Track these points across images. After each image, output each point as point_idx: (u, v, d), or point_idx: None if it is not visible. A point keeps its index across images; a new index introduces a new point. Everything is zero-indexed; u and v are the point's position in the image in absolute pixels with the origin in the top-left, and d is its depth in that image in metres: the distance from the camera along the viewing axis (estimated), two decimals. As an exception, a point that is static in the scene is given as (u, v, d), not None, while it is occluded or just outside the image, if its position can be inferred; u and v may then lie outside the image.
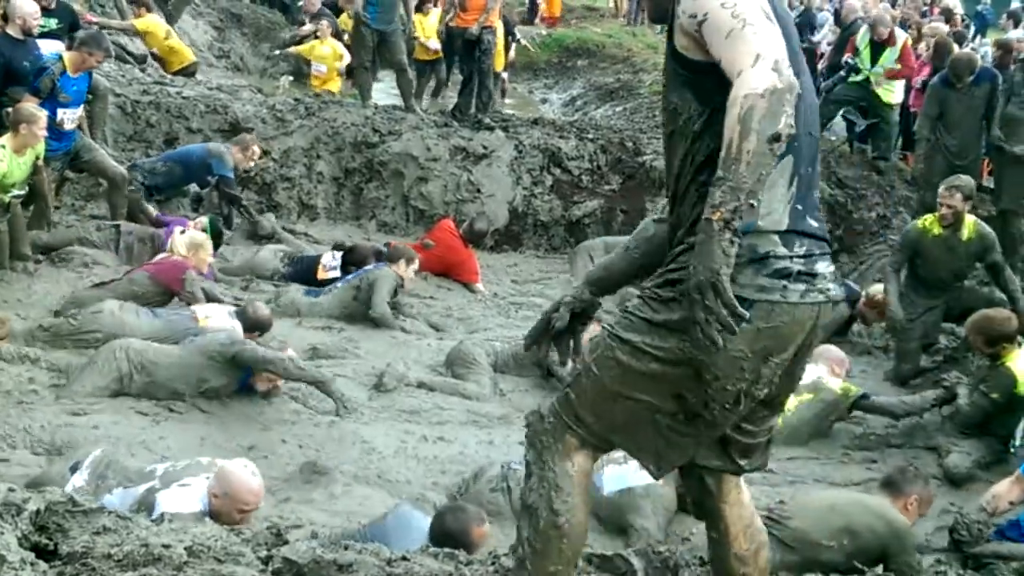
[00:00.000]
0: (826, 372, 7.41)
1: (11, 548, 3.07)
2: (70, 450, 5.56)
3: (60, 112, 8.86)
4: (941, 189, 8.20)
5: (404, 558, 3.44)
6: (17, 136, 7.98)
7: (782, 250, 2.72)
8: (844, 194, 12.03)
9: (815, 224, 2.82)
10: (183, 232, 8.50)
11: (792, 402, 7.17)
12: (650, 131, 13.84)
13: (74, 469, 5.01)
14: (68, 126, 9.02)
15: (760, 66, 2.48)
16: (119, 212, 9.70)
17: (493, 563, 3.82)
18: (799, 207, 2.76)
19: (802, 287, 2.72)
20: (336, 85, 14.64)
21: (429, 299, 9.64)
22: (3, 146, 7.95)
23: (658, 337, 2.75)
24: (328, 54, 14.65)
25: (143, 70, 12.90)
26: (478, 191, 11.69)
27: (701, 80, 2.72)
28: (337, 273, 9.33)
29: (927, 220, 8.41)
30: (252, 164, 10.52)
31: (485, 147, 11.92)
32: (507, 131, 12.31)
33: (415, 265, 9.05)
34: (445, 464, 6.36)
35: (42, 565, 3.14)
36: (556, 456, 2.95)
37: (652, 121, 16.18)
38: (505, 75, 18.17)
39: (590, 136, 12.62)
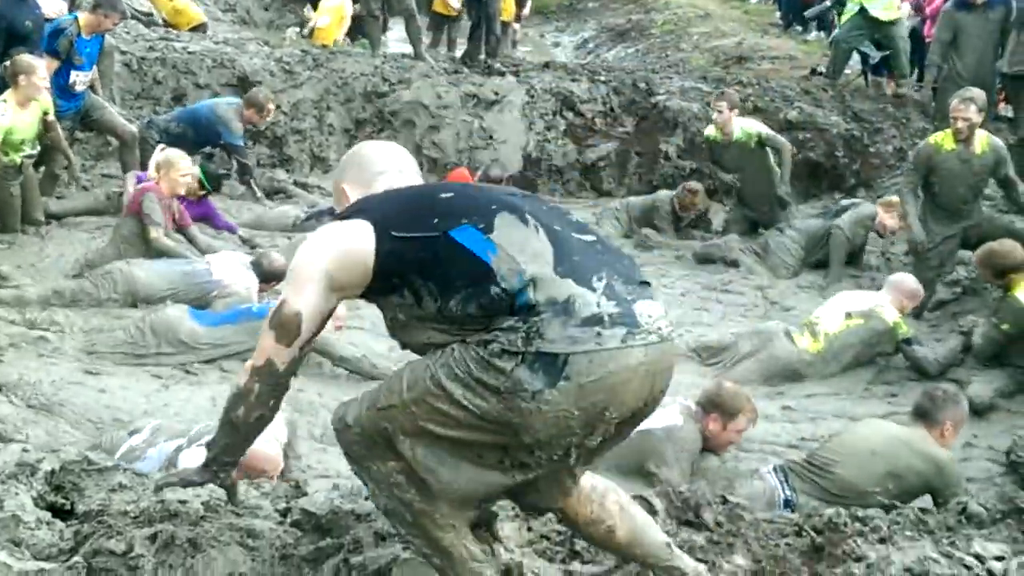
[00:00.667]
0: (888, 301, 7.31)
1: (26, 508, 3.07)
2: (61, 408, 5.55)
3: (73, 74, 8.83)
4: (955, 102, 8.04)
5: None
6: (18, 88, 7.90)
7: (581, 292, 2.56)
8: (860, 128, 11.90)
9: (605, 274, 2.63)
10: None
11: (839, 324, 7.16)
12: (662, 71, 13.71)
13: (132, 433, 5.02)
14: (80, 88, 8.98)
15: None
16: (130, 170, 9.62)
17: (514, 508, 3.79)
18: (585, 258, 2.64)
19: (621, 331, 2.54)
20: (332, 36, 14.48)
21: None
22: (4, 100, 7.90)
23: (478, 397, 2.55)
24: (333, 6, 14.48)
25: (148, 26, 12.79)
26: (491, 137, 11.60)
27: None
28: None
29: (939, 136, 8.31)
30: (267, 121, 10.38)
31: (496, 93, 11.82)
32: (518, 76, 12.22)
33: None
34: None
35: (59, 524, 3.13)
36: (377, 460, 2.74)
37: (665, 61, 16.06)
38: (517, 26, 18.01)
39: (602, 78, 12.50)
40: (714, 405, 5.51)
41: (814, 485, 5.15)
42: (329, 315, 2.80)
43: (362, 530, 3.25)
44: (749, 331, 7.61)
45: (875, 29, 12.33)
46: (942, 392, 5.38)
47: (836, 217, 9.45)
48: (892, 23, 12.18)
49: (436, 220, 2.65)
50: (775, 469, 5.35)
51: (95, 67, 9.24)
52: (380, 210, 2.75)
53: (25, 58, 8.03)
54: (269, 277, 7.35)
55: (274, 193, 10.21)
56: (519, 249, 2.60)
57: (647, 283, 2.72)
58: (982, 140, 8.08)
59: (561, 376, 2.48)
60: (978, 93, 8.12)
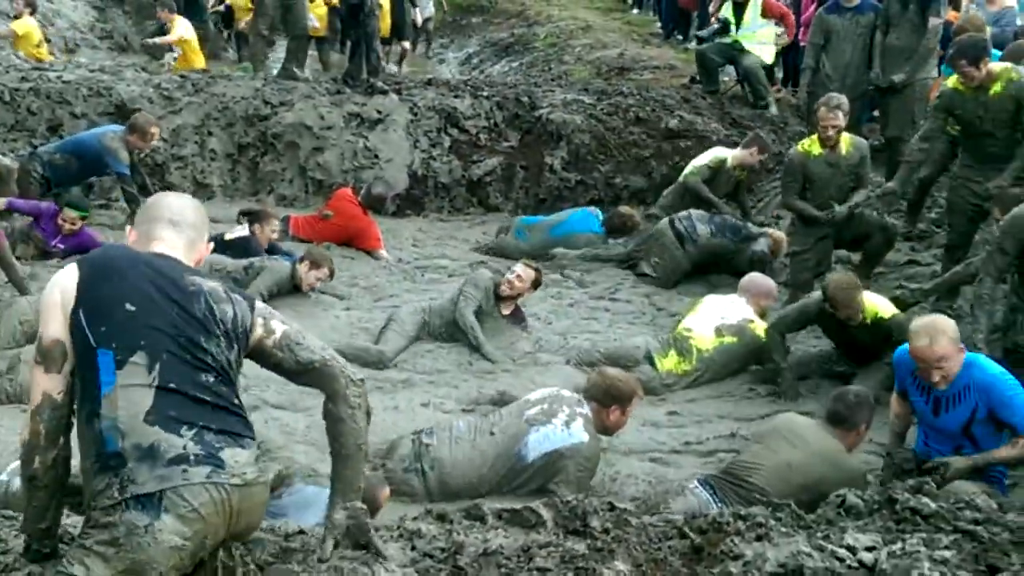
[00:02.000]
0: (752, 311, 7.55)
1: None
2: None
3: None
4: (822, 110, 8.31)
5: (301, 531, 3.40)
6: None
7: (167, 437, 2.94)
8: (739, 133, 12.14)
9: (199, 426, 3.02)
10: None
11: (711, 340, 7.32)
12: (545, 84, 13.83)
13: None
14: None
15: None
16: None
17: (399, 528, 3.80)
18: (180, 412, 3.00)
19: (206, 469, 2.95)
20: (200, 62, 14.41)
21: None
22: None
23: (102, 560, 2.89)
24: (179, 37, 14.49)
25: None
26: (375, 157, 11.55)
27: None
28: (245, 231, 9.24)
29: (807, 143, 8.60)
30: (153, 145, 10.15)
31: (380, 112, 11.78)
32: (400, 94, 12.19)
33: (320, 272, 8.61)
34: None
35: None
36: None
37: (548, 74, 16.22)
38: (406, 44, 18.05)
39: (485, 94, 12.56)
40: (612, 398, 5.68)
41: (736, 495, 5.25)
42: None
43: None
44: (612, 350, 7.64)
45: (733, 52, 12.88)
46: (854, 396, 5.49)
47: (735, 238, 9.57)
48: (739, 50, 12.75)
49: (104, 328, 3.00)
50: (701, 483, 5.46)
51: None
52: (93, 269, 3.10)
53: None
54: None
55: None
56: (124, 395, 2.94)
57: (245, 436, 3.13)
58: (846, 141, 8.40)
59: (162, 510, 2.87)
60: (842, 99, 8.43)
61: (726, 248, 9.51)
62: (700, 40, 13.69)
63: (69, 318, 3.01)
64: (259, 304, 3.31)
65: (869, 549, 3.55)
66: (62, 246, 8.85)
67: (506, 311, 8.03)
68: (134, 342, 2.99)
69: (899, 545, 3.53)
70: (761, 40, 12.80)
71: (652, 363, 7.38)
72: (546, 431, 5.62)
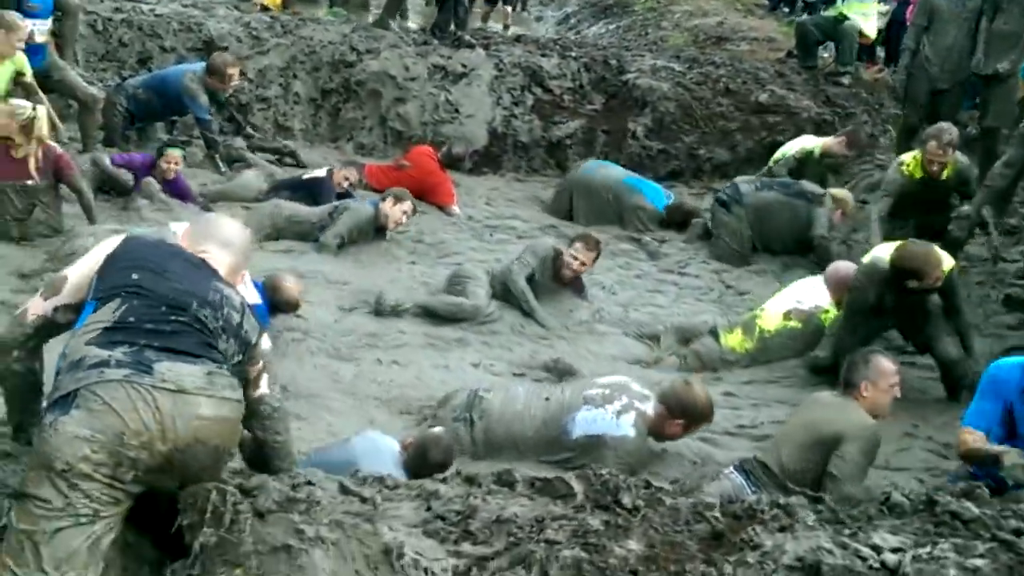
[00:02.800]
0: (830, 300, 7.30)
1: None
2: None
3: (28, 23, 8.65)
4: (932, 144, 7.97)
5: (309, 483, 3.35)
6: None
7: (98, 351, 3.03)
8: (832, 112, 11.85)
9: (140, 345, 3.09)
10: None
11: (777, 322, 7.15)
12: (635, 49, 13.60)
13: None
14: (38, 38, 8.80)
15: None
16: (90, 135, 9.52)
17: (419, 487, 3.76)
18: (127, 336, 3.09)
19: (126, 371, 2.98)
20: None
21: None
22: None
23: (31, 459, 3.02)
24: None
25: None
26: (456, 111, 11.49)
27: None
28: (322, 173, 9.41)
29: (909, 165, 8.24)
30: (235, 85, 10.20)
31: (464, 66, 11.71)
32: (487, 49, 12.09)
33: (404, 206, 8.63)
34: (398, 388, 6.32)
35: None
36: None
37: (644, 39, 15.96)
38: (508, 8, 17.92)
39: (573, 54, 12.40)
40: (684, 412, 5.56)
41: (769, 478, 5.14)
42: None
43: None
44: (678, 324, 7.61)
45: (835, 28, 12.51)
46: (851, 359, 5.39)
47: (787, 192, 9.32)
48: (843, 20, 12.33)
49: (102, 287, 3.24)
50: (737, 468, 5.34)
51: (52, 18, 9.09)
52: (131, 250, 3.37)
53: (11, 15, 7.93)
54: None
55: (233, 162, 10.08)
56: (83, 329, 3.12)
57: (202, 356, 3.16)
58: (950, 166, 8.12)
59: (72, 406, 2.91)
60: (954, 133, 8.12)
61: (780, 203, 9.20)
62: (807, 6, 13.33)
63: (91, 276, 3.32)
64: (266, 344, 3.57)
65: (895, 550, 3.39)
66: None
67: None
68: (116, 293, 3.20)
69: (927, 549, 3.37)
70: (865, 12, 12.41)
71: (716, 338, 7.30)
72: (596, 413, 5.55)
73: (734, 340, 7.28)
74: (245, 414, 3.40)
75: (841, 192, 9.33)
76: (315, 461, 4.60)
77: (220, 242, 3.59)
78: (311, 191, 9.07)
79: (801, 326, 7.21)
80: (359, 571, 2.98)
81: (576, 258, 7.75)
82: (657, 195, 10.24)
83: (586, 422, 5.53)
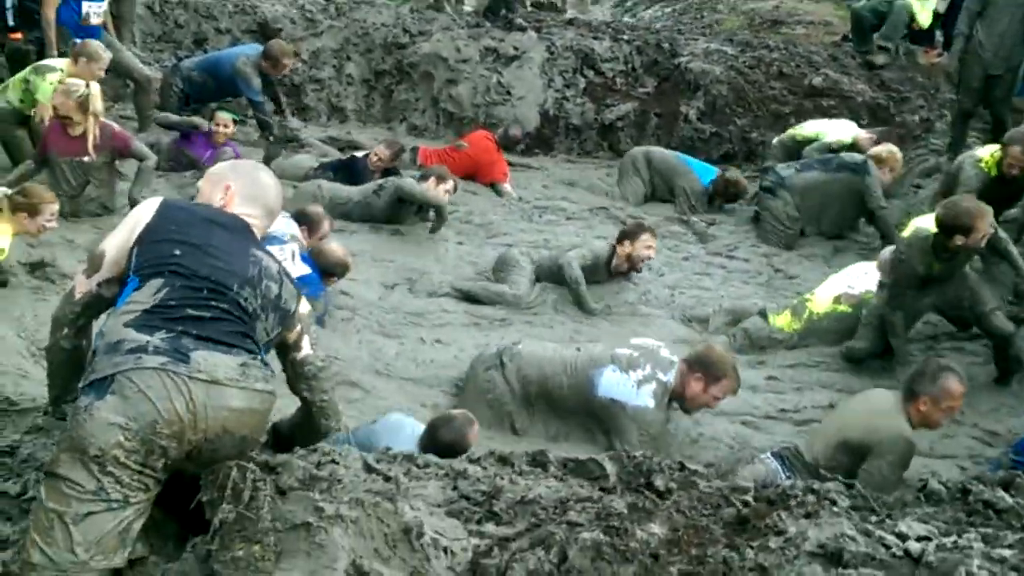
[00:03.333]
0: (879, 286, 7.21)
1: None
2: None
3: (84, 6, 8.87)
4: (1016, 149, 7.72)
5: (333, 460, 3.39)
6: (76, 65, 7.93)
7: (136, 335, 3.02)
8: (887, 96, 11.67)
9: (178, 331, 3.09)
10: None
11: (827, 305, 7.11)
12: (689, 32, 13.49)
13: None
14: (94, 20, 9.00)
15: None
16: (146, 115, 9.68)
17: (448, 467, 3.78)
18: (166, 321, 3.09)
19: (163, 359, 2.97)
20: None
21: (451, 203, 9.48)
22: (61, 69, 7.97)
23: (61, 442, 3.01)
24: None
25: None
26: (508, 93, 11.50)
27: None
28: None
29: (987, 163, 7.94)
30: (283, 73, 10.29)
31: (516, 48, 11.70)
32: (539, 32, 12.06)
33: (447, 185, 8.73)
34: (440, 367, 6.39)
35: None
36: None
37: (699, 23, 15.81)
38: None
39: (625, 37, 12.33)
40: (701, 364, 5.61)
41: (804, 467, 5.11)
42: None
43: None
44: (729, 306, 7.62)
45: (884, 6, 12.29)
46: (925, 366, 5.20)
47: (828, 168, 9.22)
48: (893, 1, 12.13)
49: (145, 263, 3.21)
50: (775, 455, 5.34)
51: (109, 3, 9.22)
52: (168, 216, 3.34)
53: (92, 44, 8.14)
54: (301, 220, 7.08)
55: (287, 141, 10.19)
56: (124, 309, 3.11)
57: (238, 347, 3.16)
58: None
59: (108, 391, 2.91)
60: None
61: (826, 182, 9.12)
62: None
63: (128, 247, 3.29)
64: (305, 307, 3.59)
65: (921, 539, 3.36)
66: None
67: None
68: (159, 271, 3.18)
69: (952, 538, 3.33)
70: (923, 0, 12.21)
71: (765, 318, 7.32)
72: (620, 378, 5.67)
73: (783, 321, 7.27)
74: (291, 377, 3.50)
75: (884, 150, 9.19)
76: (342, 442, 4.66)
77: (250, 197, 3.56)
78: (350, 171, 9.22)
79: (851, 310, 7.13)
80: (378, 549, 3.01)
81: (649, 247, 7.81)
82: (706, 171, 10.25)
83: (609, 384, 5.66)
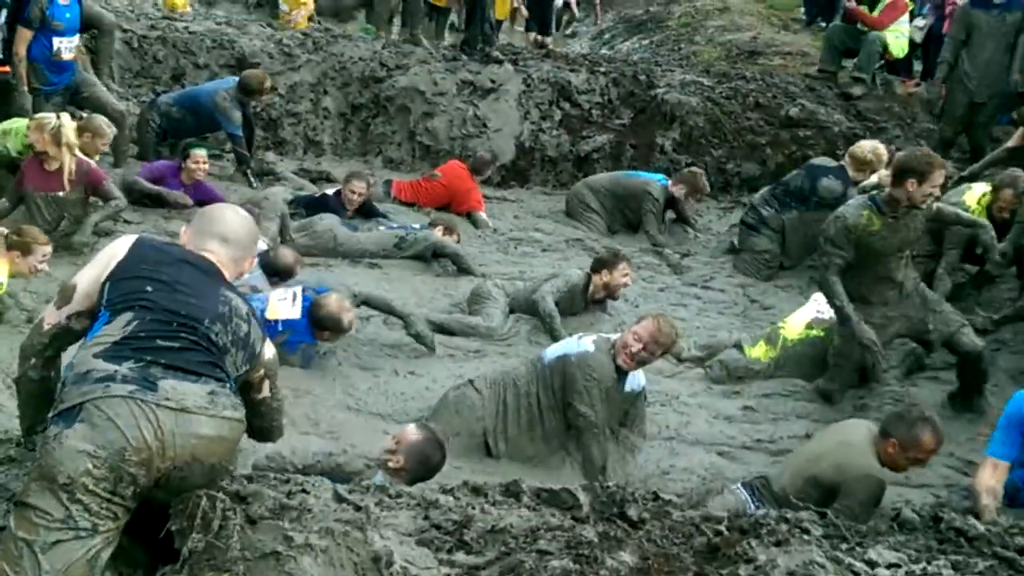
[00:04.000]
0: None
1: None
2: None
3: (56, 41, 8.87)
4: (1008, 193, 7.80)
5: (303, 490, 3.39)
6: (81, 138, 7.92)
7: (105, 365, 3.05)
8: (863, 126, 11.77)
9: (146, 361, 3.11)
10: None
11: (800, 332, 7.15)
12: (666, 64, 13.60)
13: None
14: (66, 56, 9.00)
15: None
16: (122, 150, 9.66)
17: (420, 496, 3.78)
18: (135, 352, 3.11)
19: (131, 387, 3.00)
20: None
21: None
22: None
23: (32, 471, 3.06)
24: None
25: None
26: (484, 126, 11.53)
27: None
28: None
29: (974, 210, 7.88)
30: (266, 100, 10.32)
31: (493, 81, 11.75)
32: (516, 64, 12.13)
33: (454, 237, 9.08)
34: (409, 399, 6.42)
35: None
36: None
37: (676, 54, 15.94)
38: (548, 40, 17.87)
39: (602, 69, 12.40)
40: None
41: (771, 498, 5.13)
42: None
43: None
44: (704, 342, 7.65)
45: (852, 34, 12.45)
46: (908, 411, 5.19)
47: (809, 207, 9.25)
48: (866, 32, 12.21)
49: (116, 298, 3.25)
50: (743, 485, 5.36)
51: (79, 34, 9.24)
52: (141, 253, 3.39)
53: (97, 120, 8.29)
54: (276, 272, 7.14)
55: (263, 175, 10.21)
56: (94, 341, 3.15)
57: (205, 375, 3.18)
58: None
59: (76, 420, 2.95)
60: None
61: (806, 220, 9.13)
62: (830, 17, 13.31)
63: (100, 281, 3.32)
64: (270, 351, 3.59)
65: (891, 566, 3.38)
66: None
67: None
68: (129, 305, 3.23)
69: (922, 565, 3.35)
70: (899, 33, 12.32)
71: (740, 350, 7.33)
72: (563, 342, 6.20)
73: (758, 351, 7.30)
74: (246, 408, 3.46)
75: (859, 149, 9.23)
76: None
77: (221, 238, 3.55)
78: (323, 208, 9.20)
79: (823, 334, 7.15)
80: (347, 578, 3.01)
81: (626, 275, 7.90)
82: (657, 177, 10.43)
83: (554, 348, 6.08)
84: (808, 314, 7.33)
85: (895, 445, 4.99)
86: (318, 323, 6.48)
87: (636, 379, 6.05)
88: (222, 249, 3.54)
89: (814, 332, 7.21)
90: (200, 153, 9.04)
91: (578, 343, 5.92)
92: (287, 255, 7.29)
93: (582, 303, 7.82)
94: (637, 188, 10.18)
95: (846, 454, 5.00)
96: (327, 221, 8.78)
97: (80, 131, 8.01)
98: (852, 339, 6.50)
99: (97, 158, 8.22)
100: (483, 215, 10.17)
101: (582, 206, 10.43)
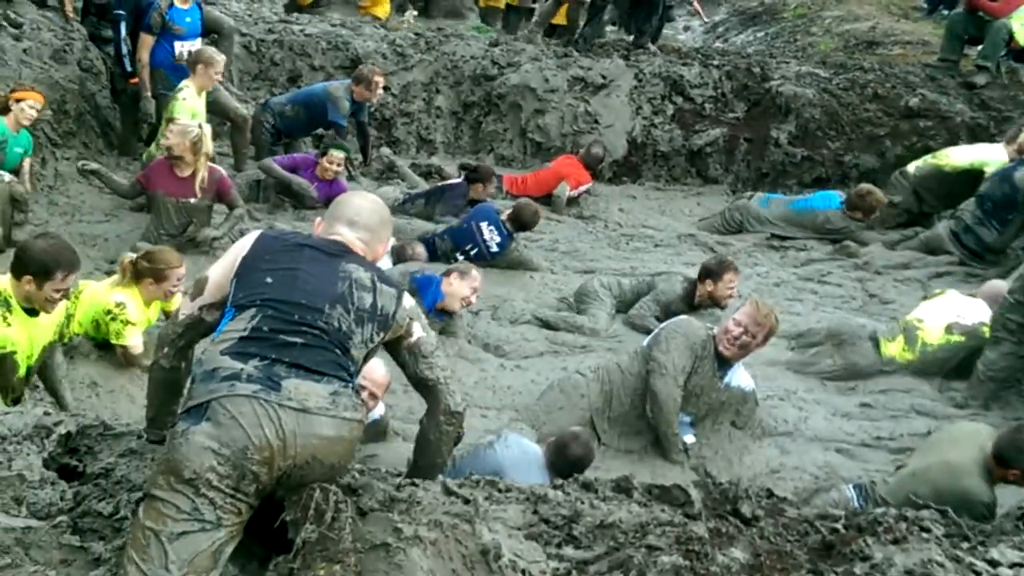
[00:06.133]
0: (990, 317, 6.92)
1: (33, 468, 3.21)
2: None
3: (178, 45, 9.11)
4: None
5: (413, 483, 3.43)
6: (195, 74, 8.33)
7: (231, 363, 3.13)
8: (987, 116, 11.40)
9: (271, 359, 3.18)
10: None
11: (939, 336, 6.88)
12: (782, 55, 13.38)
13: None
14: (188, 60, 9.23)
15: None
16: (242, 153, 9.93)
17: (528, 491, 3.79)
18: (260, 349, 3.18)
19: (255, 387, 3.08)
20: (384, 10, 14.62)
21: (538, 231, 9.47)
22: (188, 86, 8.40)
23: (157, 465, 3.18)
24: None
25: None
26: (596, 122, 11.51)
27: None
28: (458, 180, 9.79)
29: None
30: (377, 96, 10.38)
31: (604, 76, 11.71)
32: (627, 59, 12.07)
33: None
34: (515, 393, 6.44)
35: (62, 485, 3.26)
36: None
37: (792, 46, 15.68)
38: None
39: (715, 63, 12.26)
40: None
41: (876, 502, 5.00)
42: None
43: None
44: (836, 326, 7.38)
45: (975, 22, 12.04)
46: (1018, 438, 4.83)
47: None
48: (990, 20, 11.80)
49: (241, 293, 3.33)
50: (854, 487, 5.27)
51: (200, 38, 9.46)
52: (264, 247, 3.46)
53: (208, 50, 8.56)
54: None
55: (387, 170, 10.43)
56: (221, 337, 3.24)
57: (329, 375, 3.22)
58: None
59: (203, 418, 3.03)
60: None
61: None
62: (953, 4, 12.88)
63: (230, 276, 3.42)
64: (408, 301, 3.56)
65: (1014, 565, 3.27)
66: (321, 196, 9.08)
67: None
68: (252, 301, 3.30)
69: (1048, 566, 3.23)
70: (1021, 19, 11.88)
71: (876, 346, 7.09)
72: None
73: (895, 349, 7.02)
74: (407, 362, 3.59)
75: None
76: (461, 469, 4.69)
77: (348, 221, 3.59)
78: (440, 198, 9.40)
79: (965, 340, 6.88)
80: (456, 571, 3.03)
81: (733, 285, 7.55)
82: (828, 198, 10.08)
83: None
84: (946, 317, 7.03)
85: (1016, 475, 4.78)
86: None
87: (741, 378, 5.99)
88: (350, 232, 3.57)
89: (955, 338, 6.90)
90: (337, 154, 9.17)
91: None
92: (419, 248, 7.66)
93: (684, 312, 7.64)
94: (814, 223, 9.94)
95: (948, 478, 4.77)
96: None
97: (192, 66, 8.35)
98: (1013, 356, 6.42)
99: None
100: (567, 187, 10.27)
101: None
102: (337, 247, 3.51)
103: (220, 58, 8.59)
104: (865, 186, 9.99)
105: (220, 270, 3.48)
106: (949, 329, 6.94)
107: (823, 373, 6.98)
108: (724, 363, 5.87)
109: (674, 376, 5.74)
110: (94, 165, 8.21)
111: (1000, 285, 7.24)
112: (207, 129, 7.82)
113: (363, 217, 3.63)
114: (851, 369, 6.99)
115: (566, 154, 10.95)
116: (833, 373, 6.98)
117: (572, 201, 10.43)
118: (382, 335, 3.46)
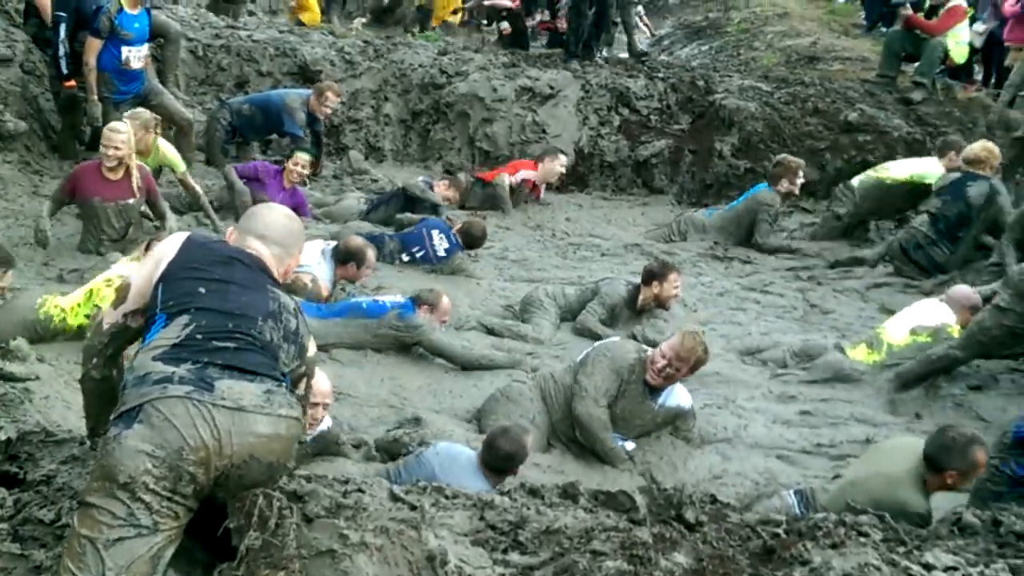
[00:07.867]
0: (955, 320, 7.12)
1: (-27, 476, 3.18)
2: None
3: (124, 50, 8.99)
4: None
5: (359, 490, 3.44)
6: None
7: (163, 367, 3.12)
8: (923, 131, 11.62)
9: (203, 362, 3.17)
10: None
11: (905, 337, 7.02)
12: (725, 69, 13.54)
13: None
14: (135, 65, 9.12)
15: None
16: (187, 157, 9.83)
17: (475, 497, 3.82)
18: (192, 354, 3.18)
19: (188, 388, 3.06)
20: (310, 17, 14.67)
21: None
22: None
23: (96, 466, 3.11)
24: None
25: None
26: (543, 131, 11.61)
27: None
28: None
29: None
30: (329, 110, 10.44)
31: (552, 87, 11.81)
32: (575, 70, 12.16)
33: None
34: (456, 397, 6.50)
35: (3, 491, 3.24)
36: None
37: (735, 60, 15.88)
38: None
39: (660, 75, 12.39)
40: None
41: (815, 510, 5.07)
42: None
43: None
44: (801, 347, 7.52)
45: (912, 40, 12.28)
46: (954, 438, 4.89)
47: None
48: (927, 38, 12.07)
49: (171, 300, 3.30)
50: (795, 492, 5.32)
51: (147, 44, 9.37)
52: (192, 252, 3.44)
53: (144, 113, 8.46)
54: (347, 258, 7.40)
55: (357, 174, 10.58)
56: (152, 343, 3.22)
57: (262, 375, 3.23)
58: None
59: (136, 421, 3.01)
60: None
61: None
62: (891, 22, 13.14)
63: (153, 281, 3.39)
64: (313, 349, 3.69)
65: (948, 569, 3.35)
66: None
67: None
68: (184, 308, 3.29)
69: (980, 568, 3.33)
70: (958, 39, 12.17)
71: (842, 351, 7.25)
72: None
73: (860, 354, 7.19)
74: None
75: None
76: (403, 477, 4.73)
77: (259, 236, 3.60)
78: (404, 200, 9.51)
79: (931, 339, 7.04)
80: (402, 576, 3.05)
81: (677, 286, 7.75)
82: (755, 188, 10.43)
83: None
84: (910, 322, 7.20)
85: (954, 475, 4.83)
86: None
87: (679, 396, 6.07)
88: (262, 246, 3.58)
89: (921, 338, 7.07)
90: (303, 156, 9.15)
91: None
92: (356, 240, 7.63)
93: (629, 316, 7.78)
94: (747, 209, 10.15)
95: (885, 488, 4.84)
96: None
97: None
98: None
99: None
100: (507, 177, 10.49)
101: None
102: (259, 263, 3.53)
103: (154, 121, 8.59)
104: (777, 156, 10.39)
105: (143, 276, 3.46)
106: (914, 331, 7.11)
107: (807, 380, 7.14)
108: (653, 388, 5.96)
109: (594, 398, 5.87)
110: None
111: (965, 289, 7.41)
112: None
113: (272, 232, 3.63)
114: (827, 371, 7.14)
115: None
116: (823, 377, 7.13)
117: (517, 192, 10.61)
118: (298, 363, 3.50)
